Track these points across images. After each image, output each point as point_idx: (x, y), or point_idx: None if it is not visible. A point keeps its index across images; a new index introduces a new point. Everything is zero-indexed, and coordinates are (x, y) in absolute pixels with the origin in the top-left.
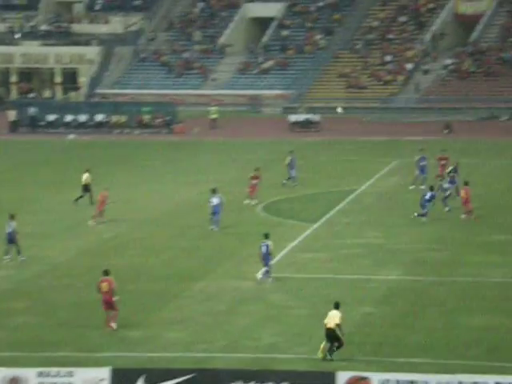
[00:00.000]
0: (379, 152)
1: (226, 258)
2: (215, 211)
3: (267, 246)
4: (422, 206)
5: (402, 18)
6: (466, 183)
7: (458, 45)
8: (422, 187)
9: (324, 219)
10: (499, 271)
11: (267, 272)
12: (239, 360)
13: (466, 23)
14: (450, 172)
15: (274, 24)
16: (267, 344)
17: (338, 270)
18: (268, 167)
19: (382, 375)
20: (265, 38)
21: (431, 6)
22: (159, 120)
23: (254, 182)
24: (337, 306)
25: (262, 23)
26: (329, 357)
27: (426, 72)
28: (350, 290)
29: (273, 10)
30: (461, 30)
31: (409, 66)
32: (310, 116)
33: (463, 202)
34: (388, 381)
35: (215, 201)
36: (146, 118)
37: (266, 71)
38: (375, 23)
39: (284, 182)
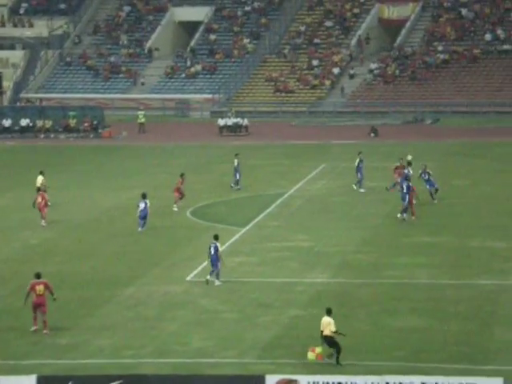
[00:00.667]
0: (307, 156)
1: (155, 263)
2: (143, 215)
3: (216, 247)
4: (404, 199)
5: (328, 23)
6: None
7: (383, 49)
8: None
9: (253, 223)
10: (425, 272)
11: (213, 272)
12: (168, 365)
13: (391, 28)
14: (421, 175)
15: (201, 28)
16: (196, 348)
17: (266, 273)
18: (197, 171)
19: (310, 377)
20: (192, 42)
21: (356, 10)
22: (86, 124)
23: (181, 187)
24: (329, 312)
25: (190, 27)
26: (336, 363)
27: (352, 76)
28: (279, 293)
29: (200, 14)
30: (386, 34)
31: (335, 70)
32: (238, 120)
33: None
34: (316, 383)
35: (142, 205)
36: (73, 122)
37: (193, 75)
38: (302, 28)
39: (232, 185)
